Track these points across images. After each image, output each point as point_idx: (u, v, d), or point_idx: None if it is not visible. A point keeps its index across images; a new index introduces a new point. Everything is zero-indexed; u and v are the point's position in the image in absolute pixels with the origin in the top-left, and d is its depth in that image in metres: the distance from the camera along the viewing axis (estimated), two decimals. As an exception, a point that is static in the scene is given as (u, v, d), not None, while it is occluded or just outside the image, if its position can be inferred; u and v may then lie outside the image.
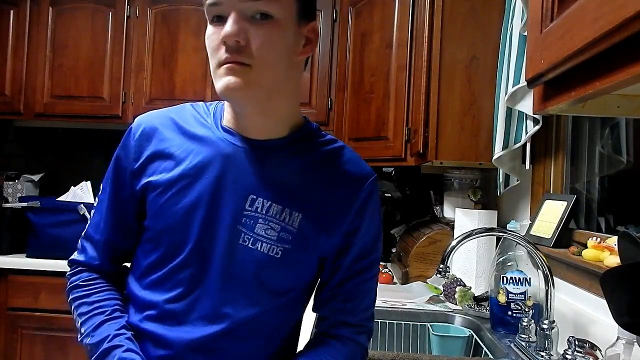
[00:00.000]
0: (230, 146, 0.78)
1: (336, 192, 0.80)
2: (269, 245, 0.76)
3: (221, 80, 0.71)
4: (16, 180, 2.53)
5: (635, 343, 0.83)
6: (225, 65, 0.70)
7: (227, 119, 0.80)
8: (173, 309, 0.76)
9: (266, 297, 0.78)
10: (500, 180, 1.65)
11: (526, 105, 1.40)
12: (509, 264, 1.34)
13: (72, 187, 2.36)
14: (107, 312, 0.77)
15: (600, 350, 0.97)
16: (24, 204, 2.24)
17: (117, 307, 0.79)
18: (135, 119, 0.82)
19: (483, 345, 1.33)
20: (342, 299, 0.83)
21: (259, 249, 0.76)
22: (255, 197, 0.76)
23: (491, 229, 1.46)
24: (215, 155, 0.77)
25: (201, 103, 0.85)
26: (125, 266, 0.87)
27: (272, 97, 0.75)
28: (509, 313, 1.31)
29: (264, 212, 0.76)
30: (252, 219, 0.76)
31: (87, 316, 0.78)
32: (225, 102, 0.81)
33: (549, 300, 1.15)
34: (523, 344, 1.19)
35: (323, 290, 0.84)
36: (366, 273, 0.83)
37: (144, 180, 0.78)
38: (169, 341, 0.75)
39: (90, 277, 0.82)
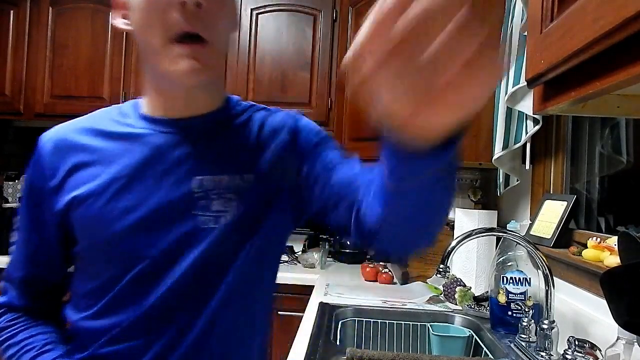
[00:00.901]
0: (160, 136, 0.71)
1: (274, 145, 0.74)
2: (231, 215, 0.69)
3: (180, 63, 0.63)
4: (16, 180, 2.53)
5: (635, 343, 0.83)
6: (184, 47, 0.62)
7: (151, 105, 0.73)
8: (140, 324, 0.68)
9: (240, 264, 0.71)
10: (500, 180, 1.65)
11: (526, 105, 1.40)
12: (509, 264, 1.34)
13: (72, 187, 2.36)
14: (37, 347, 0.70)
15: (600, 350, 0.97)
16: (24, 204, 2.24)
17: (48, 340, 0.72)
18: (40, 137, 0.74)
19: (483, 345, 1.33)
20: (327, 176, 0.71)
21: (223, 222, 0.69)
22: (201, 177, 0.70)
23: (491, 229, 1.46)
24: (146, 149, 0.70)
25: (109, 108, 0.78)
26: (58, 301, 0.79)
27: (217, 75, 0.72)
28: (509, 313, 1.31)
29: (214, 187, 0.70)
30: (205, 199, 0.69)
31: (15, 357, 0.70)
32: (148, 94, 0.74)
33: (549, 300, 1.15)
34: (523, 344, 1.19)
35: (311, 198, 0.73)
36: (327, 143, 0.76)
37: (67, 197, 0.69)
38: (143, 356, 0.68)
39: (14, 316, 0.74)
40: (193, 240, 0.68)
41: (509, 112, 1.50)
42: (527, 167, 1.50)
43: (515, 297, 1.30)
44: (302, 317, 1.44)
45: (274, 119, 0.77)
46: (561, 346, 1.08)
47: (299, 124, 0.78)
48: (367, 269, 2.01)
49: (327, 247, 2.37)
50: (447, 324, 1.45)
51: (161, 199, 0.68)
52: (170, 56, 0.63)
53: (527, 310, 1.28)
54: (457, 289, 1.55)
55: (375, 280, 1.98)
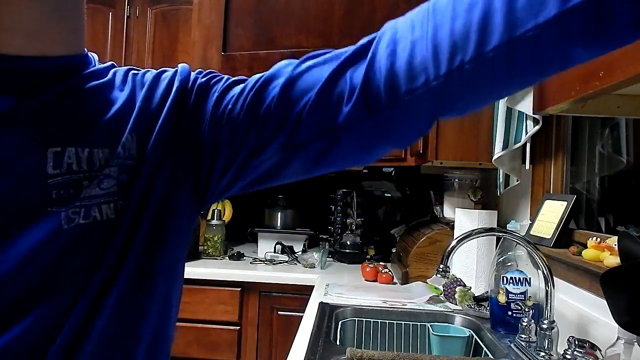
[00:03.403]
0: None
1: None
2: (112, 202, 0.47)
3: None
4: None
5: (635, 343, 0.83)
6: None
7: None
8: None
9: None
10: (500, 180, 1.65)
11: (526, 105, 1.40)
12: (509, 264, 1.34)
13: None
14: None
15: (600, 350, 0.97)
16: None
17: None
18: None
19: (483, 345, 1.33)
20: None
21: (100, 216, 0.47)
22: (60, 149, 0.46)
23: (491, 229, 1.46)
24: None
25: None
26: None
27: None
28: (509, 313, 1.31)
29: (84, 166, 0.47)
30: (68, 184, 0.46)
31: None
32: None
33: (549, 300, 1.15)
34: (523, 344, 1.19)
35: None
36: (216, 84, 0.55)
37: None
38: None
39: None
40: (45, 249, 0.44)
41: (509, 112, 1.50)
42: (527, 167, 1.50)
43: (515, 297, 1.30)
44: (302, 317, 1.44)
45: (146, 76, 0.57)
46: (561, 346, 1.08)
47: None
48: (367, 269, 2.02)
49: (327, 247, 2.37)
50: (447, 324, 1.45)
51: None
52: None
53: (527, 310, 1.28)
54: (457, 289, 1.56)
55: (375, 280, 1.98)
